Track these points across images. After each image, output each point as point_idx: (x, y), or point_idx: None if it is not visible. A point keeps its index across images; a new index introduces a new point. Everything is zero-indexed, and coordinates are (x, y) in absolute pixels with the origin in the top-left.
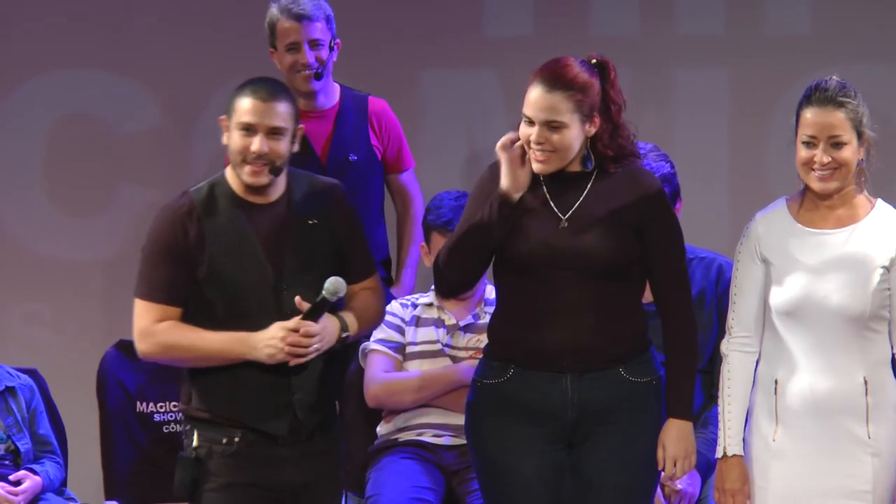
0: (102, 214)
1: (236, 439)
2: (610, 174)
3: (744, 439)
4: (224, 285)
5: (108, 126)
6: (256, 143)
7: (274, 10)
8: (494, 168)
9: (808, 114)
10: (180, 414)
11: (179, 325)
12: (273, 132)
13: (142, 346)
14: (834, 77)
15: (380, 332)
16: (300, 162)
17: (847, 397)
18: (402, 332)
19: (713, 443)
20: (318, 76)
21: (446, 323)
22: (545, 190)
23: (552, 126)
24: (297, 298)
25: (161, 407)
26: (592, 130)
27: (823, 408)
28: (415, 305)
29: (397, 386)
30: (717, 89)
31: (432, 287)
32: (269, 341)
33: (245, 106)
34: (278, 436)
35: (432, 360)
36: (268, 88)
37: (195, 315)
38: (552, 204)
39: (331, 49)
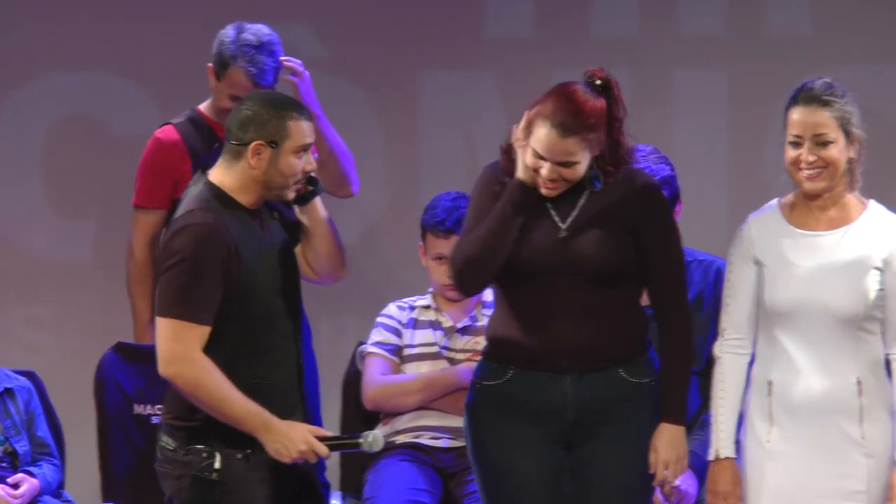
0: (101, 217)
1: (249, 451)
2: (608, 177)
3: (738, 441)
4: (253, 293)
5: (108, 128)
6: (312, 161)
7: (232, 49)
8: (494, 167)
9: (794, 114)
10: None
11: (215, 368)
12: None
13: (171, 369)
14: (822, 78)
15: (377, 335)
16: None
17: (841, 398)
18: (399, 334)
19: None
20: None
21: (443, 325)
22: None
23: (564, 164)
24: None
25: (159, 409)
26: (598, 151)
27: (817, 409)
28: (412, 308)
29: (395, 389)
30: (717, 90)
31: (430, 290)
32: (289, 444)
33: (304, 129)
34: None
35: (430, 363)
36: (305, 107)
37: (223, 330)
38: (552, 212)
39: None
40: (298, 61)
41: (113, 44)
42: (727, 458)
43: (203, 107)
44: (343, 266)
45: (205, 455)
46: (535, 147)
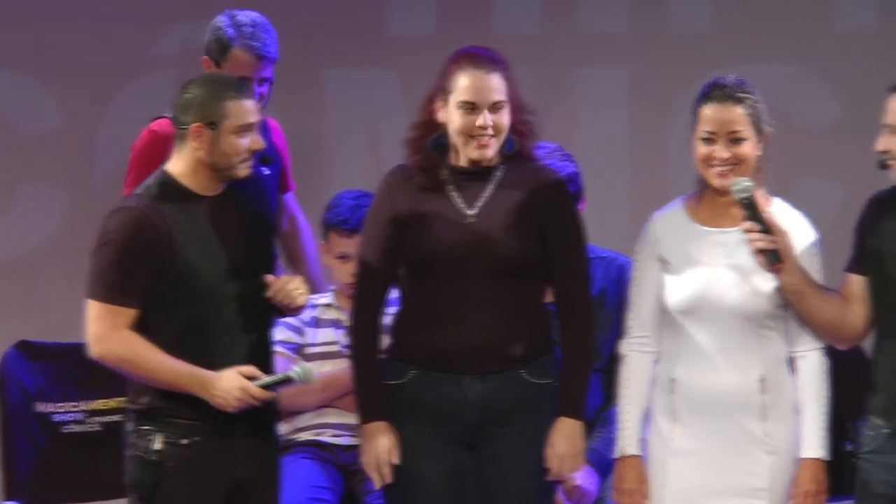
0: (3, 215)
1: (197, 438)
2: (514, 170)
3: (644, 439)
4: (193, 281)
5: (10, 125)
6: (259, 140)
7: (230, 32)
8: (391, 178)
9: (707, 110)
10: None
11: (140, 340)
12: None
13: (97, 348)
14: (731, 75)
15: (279, 333)
16: None
17: (744, 395)
18: (300, 332)
19: (613, 442)
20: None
21: (345, 324)
22: (450, 184)
23: (496, 107)
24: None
25: (61, 407)
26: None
27: (721, 406)
28: (314, 306)
29: (297, 387)
30: (619, 88)
31: (331, 288)
32: (225, 394)
33: (244, 108)
34: (241, 424)
35: (332, 362)
36: (247, 86)
37: (155, 314)
38: (458, 198)
39: (271, 84)
40: None
41: (16, 41)
42: (633, 456)
43: None
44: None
45: (148, 437)
46: (466, 98)
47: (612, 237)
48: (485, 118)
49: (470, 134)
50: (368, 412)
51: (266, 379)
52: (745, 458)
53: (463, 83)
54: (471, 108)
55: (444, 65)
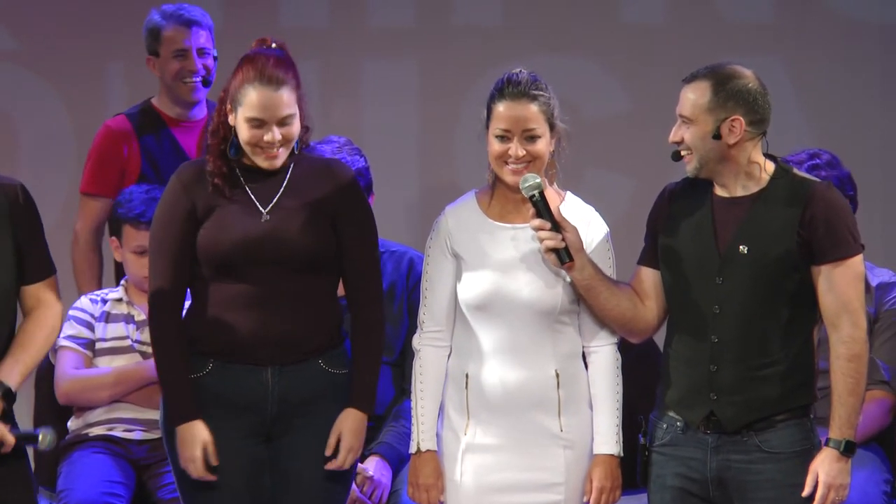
0: None
1: None
2: (305, 167)
3: (438, 434)
4: None
5: None
6: None
7: (156, 18)
8: (185, 175)
9: (501, 107)
10: None
11: None
12: None
13: None
14: (523, 70)
15: (69, 329)
16: (173, 171)
17: (539, 390)
18: (91, 328)
19: (406, 436)
20: (207, 82)
21: (136, 319)
22: (243, 183)
23: (285, 121)
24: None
25: None
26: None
27: (515, 401)
28: (104, 301)
29: (88, 383)
30: (407, 81)
31: (122, 282)
32: None
33: None
34: None
35: (122, 357)
36: None
37: None
38: (252, 197)
39: (215, 59)
40: None
41: None
42: (428, 451)
43: (155, 100)
44: None
45: None
46: (257, 115)
47: (402, 231)
48: (273, 134)
49: (259, 146)
50: (184, 412)
51: (17, 432)
52: (540, 454)
53: (251, 99)
54: (259, 124)
55: (235, 71)
